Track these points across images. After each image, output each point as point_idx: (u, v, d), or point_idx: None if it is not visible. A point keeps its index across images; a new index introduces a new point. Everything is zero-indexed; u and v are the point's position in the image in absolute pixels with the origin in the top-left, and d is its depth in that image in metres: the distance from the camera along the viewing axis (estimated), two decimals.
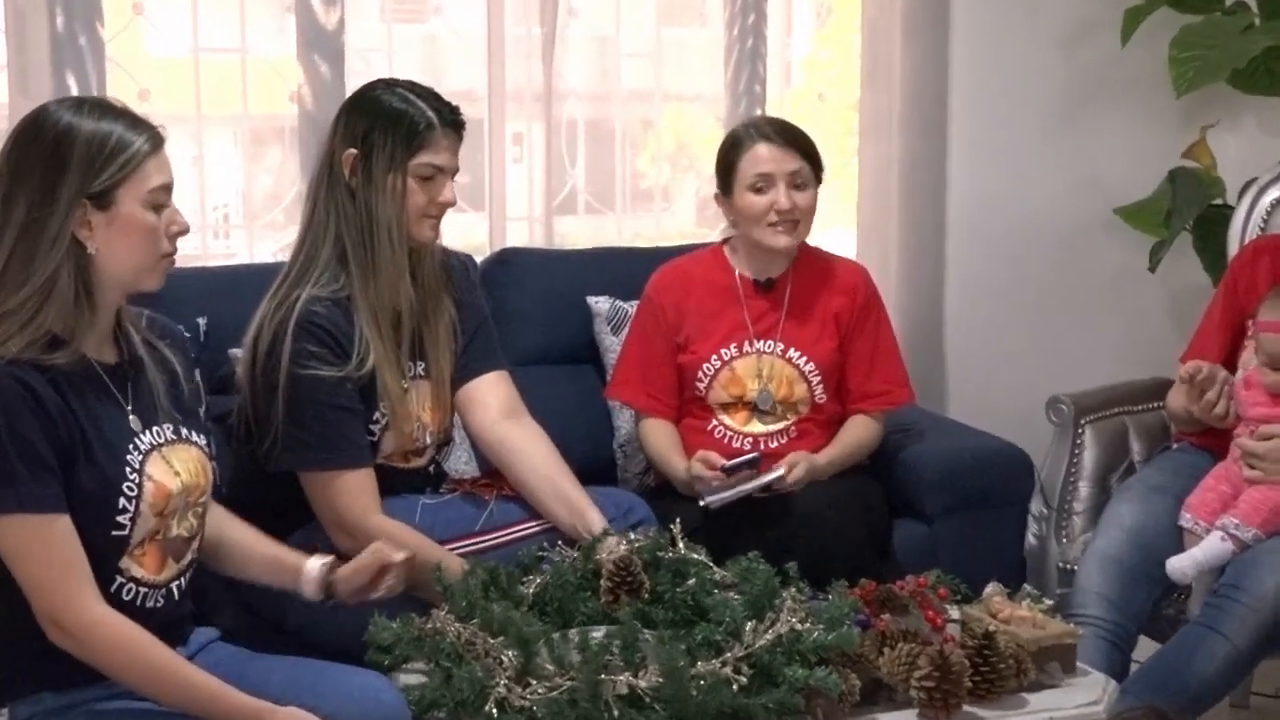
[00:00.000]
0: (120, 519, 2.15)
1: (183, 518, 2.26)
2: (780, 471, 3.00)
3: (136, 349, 2.27)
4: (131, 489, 2.16)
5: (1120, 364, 3.90)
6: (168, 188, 2.19)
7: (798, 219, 3.21)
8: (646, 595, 2.44)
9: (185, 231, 2.24)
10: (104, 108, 2.18)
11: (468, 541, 2.73)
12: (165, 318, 2.41)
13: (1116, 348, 4.25)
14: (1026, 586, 2.69)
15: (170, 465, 2.23)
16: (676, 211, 4.28)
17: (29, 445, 2.06)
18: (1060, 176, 4.27)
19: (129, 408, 2.22)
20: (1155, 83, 3.94)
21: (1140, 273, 3.98)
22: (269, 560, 2.46)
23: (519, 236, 3.94)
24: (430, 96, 2.74)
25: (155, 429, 2.24)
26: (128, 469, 2.16)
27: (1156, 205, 4.00)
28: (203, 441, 2.33)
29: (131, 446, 2.19)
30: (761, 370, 3.25)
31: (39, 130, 2.14)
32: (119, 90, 3.41)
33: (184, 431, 2.29)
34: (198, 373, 2.46)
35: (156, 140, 2.18)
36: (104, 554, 2.15)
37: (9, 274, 2.11)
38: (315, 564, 2.43)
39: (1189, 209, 3.85)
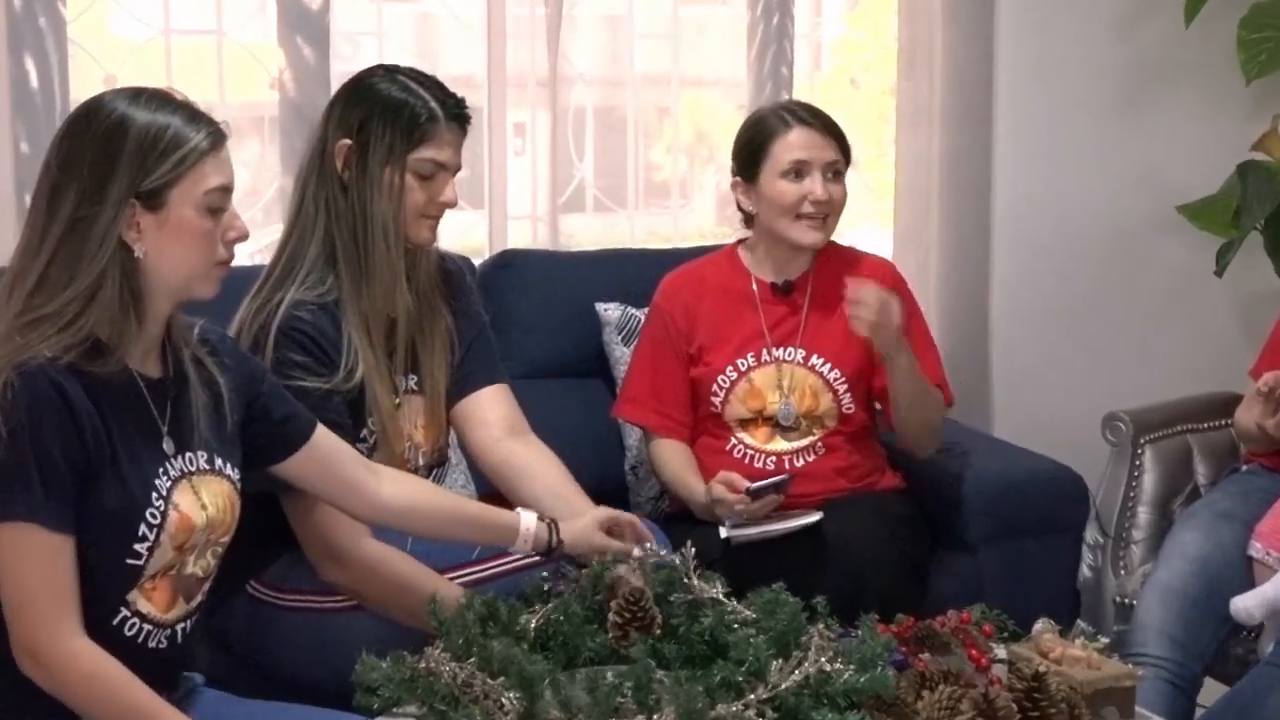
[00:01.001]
0: (138, 547, 2.16)
1: (200, 555, 2.27)
2: (817, 517, 3.00)
3: (184, 365, 2.29)
4: (155, 516, 2.17)
5: (1183, 377, 3.91)
6: (227, 189, 2.21)
7: (829, 213, 3.24)
8: (658, 631, 2.43)
9: (244, 238, 2.26)
10: (162, 99, 2.19)
11: (464, 570, 2.73)
12: (220, 330, 2.44)
13: (1179, 359, 4.26)
14: (1080, 623, 2.68)
15: (198, 496, 2.25)
16: (695, 208, 4.30)
17: (49, 456, 2.08)
18: (1117, 171, 4.28)
19: (165, 428, 2.24)
20: (1222, 67, 3.95)
21: (1205, 276, 3.98)
22: (473, 521, 2.63)
23: (521, 237, 3.96)
24: (434, 86, 2.75)
25: (189, 454, 2.25)
26: (154, 494, 2.18)
27: (1223, 202, 4.00)
28: (236, 476, 2.34)
29: (162, 470, 2.20)
30: (782, 381, 3.26)
31: (91, 120, 2.15)
32: (82, 75, 3.43)
33: (218, 462, 2.30)
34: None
35: (217, 137, 2.19)
36: (113, 582, 2.16)
37: (53, 273, 2.13)
38: (532, 520, 2.60)
39: (1259, 206, 3.84)
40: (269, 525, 2.69)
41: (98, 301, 2.13)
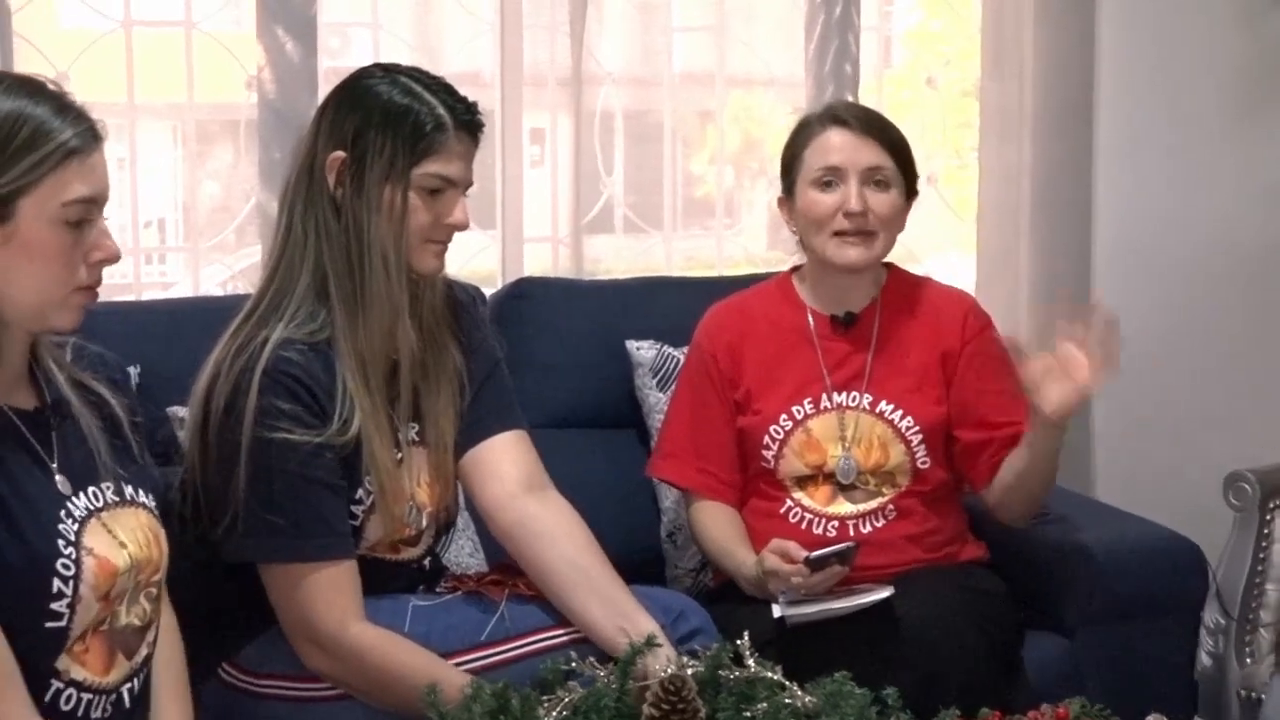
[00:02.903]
0: (55, 605, 2.17)
1: (133, 601, 2.29)
2: (886, 593, 3.00)
3: (61, 390, 2.29)
4: (68, 566, 2.18)
5: None
6: (95, 201, 2.18)
7: (873, 229, 3.24)
8: None
9: (113, 259, 2.23)
10: (30, 87, 2.16)
11: (472, 655, 2.75)
12: (98, 346, 2.43)
13: None
14: (1198, 719, 2.70)
15: (113, 535, 2.26)
16: (743, 230, 4.33)
17: None
18: (1241, 186, 4.30)
19: (54, 465, 2.25)
20: None
21: None
22: None
23: (539, 263, 4.00)
24: (441, 90, 2.76)
25: (92, 490, 2.27)
26: (60, 542, 2.18)
27: None
28: (152, 504, 2.36)
29: (63, 513, 2.21)
30: (845, 430, 3.28)
31: None
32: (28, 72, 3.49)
33: (129, 491, 2.32)
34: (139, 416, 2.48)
35: (89, 138, 2.16)
36: (37, 652, 2.17)
37: None
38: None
39: None
40: (245, 599, 2.72)
41: None
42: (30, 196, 2.11)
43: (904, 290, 3.38)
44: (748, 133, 4.35)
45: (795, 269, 3.43)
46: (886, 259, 3.37)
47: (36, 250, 2.14)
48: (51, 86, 2.19)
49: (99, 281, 2.24)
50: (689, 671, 2.43)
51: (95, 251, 2.20)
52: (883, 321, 3.33)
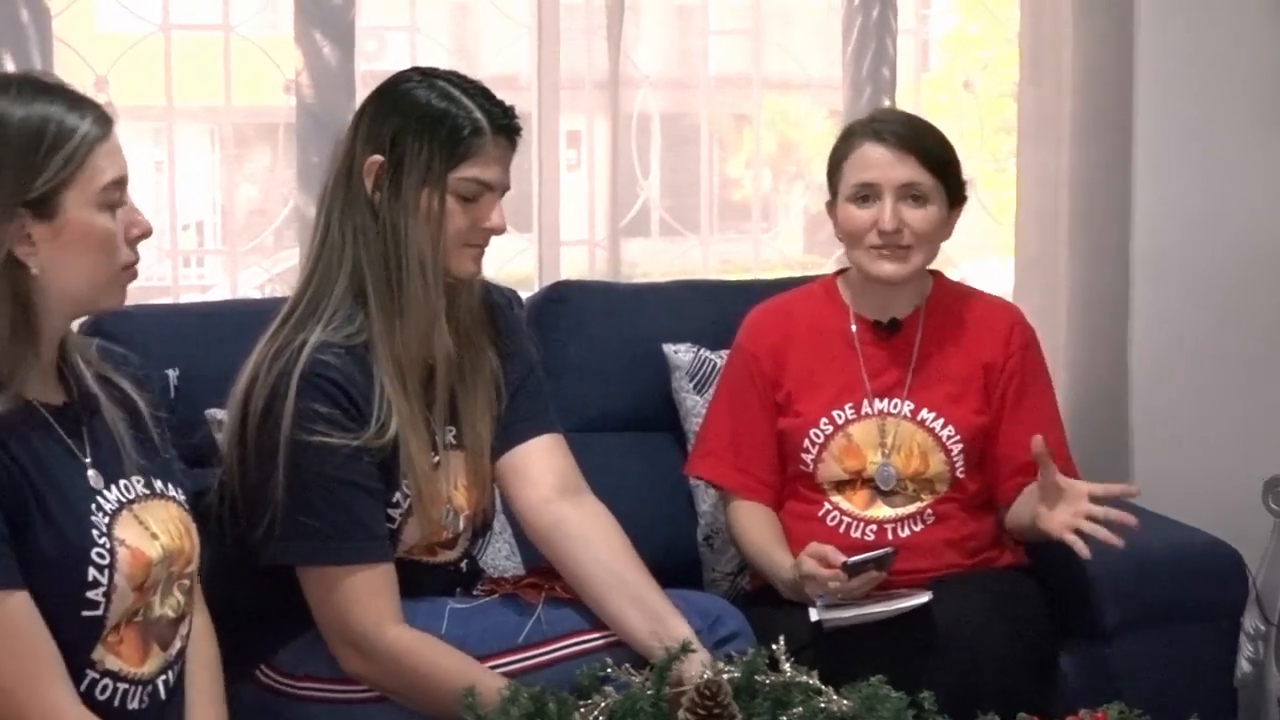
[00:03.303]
0: (92, 594, 2.20)
1: (167, 593, 2.32)
2: (925, 598, 3.01)
3: (88, 385, 2.32)
4: (102, 556, 2.21)
5: None
6: (122, 182, 2.24)
7: (908, 244, 3.24)
8: None
9: (148, 234, 2.29)
10: (37, 87, 2.21)
11: (509, 658, 2.76)
12: (118, 347, 2.47)
13: None
14: None
15: (145, 526, 2.29)
16: (779, 233, 4.33)
17: None
18: None
19: (86, 459, 2.28)
20: None
21: None
22: None
23: (576, 266, 4.01)
24: (479, 94, 2.78)
25: (122, 483, 2.30)
26: (94, 532, 2.21)
27: None
28: (181, 496, 2.39)
29: (94, 506, 2.24)
30: (885, 437, 3.28)
31: None
32: (69, 78, 3.47)
33: (158, 485, 2.35)
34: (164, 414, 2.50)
35: (104, 123, 2.22)
36: (74, 641, 2.20)
37: None
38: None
39: None
40: (282, 601, 2.73)
41: None
42: (70, 190, 2.17)
43: (949, 299, 3.38)
44: (784, 136, 4.35)
45: (841, 271, 3.43)
46: (931, 266, 3.38)
47: (85, 238, 2.20)
48: (52, 80, 2.25)
49: (139, 257, 2.29)
50: (724, 677, 2.45)
51: (132, 229, 2.26)
52: (926, 329, 3.34)
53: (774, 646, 2.49)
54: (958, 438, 3.27)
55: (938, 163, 3.26)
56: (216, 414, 3.06)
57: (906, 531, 3.26)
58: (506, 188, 2.82)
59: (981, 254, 4.37)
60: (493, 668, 2.71)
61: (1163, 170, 4.20)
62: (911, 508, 3.27)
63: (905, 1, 4.18)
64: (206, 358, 3.12)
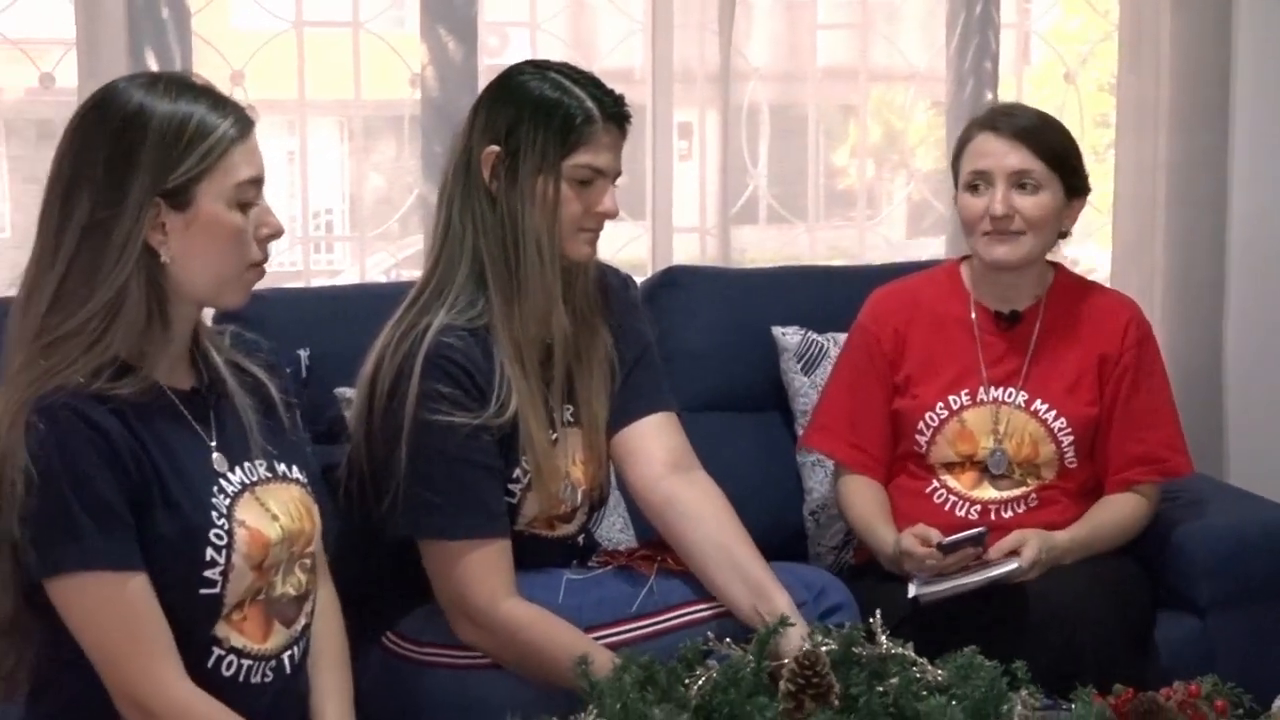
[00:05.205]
0: (209, 574, 2.21)
1: (288, 572, 2.34)
2: (1014, 565, 3.00)
3: (219, 371, 2.34)
4: (220, 537, 2.22)
5: None
6: (258, 182, 2.25)
7: (1019, 229, 3.21)
8: (836, 701, 2.44)
9: (278, 234, 2.30)
10: (183, 85, 2.22)
11: (622, 627, 2.77)
12: (253, 334, 2.48)
13: None
14: None
15: (266, 508, 2.30)
16: (884, 220, 4.32)
17: (94, 492, 2.13)
18: None
19: (212, 442, 2.30)
20: None
21: None
22: None
23: (687, 252, 4.01)
24: (590, 83, 2.78)
25: (246, 465, 2.31)
26: (214, 514, 2.23)
27: None
28: (304, 479, 2.40)
29: (216, 488, 2.26)
30: (998, 425, 3.26)
31: (105, 113, 2.19)
32: (206, 72, 3.51)
33: (281, 468, 2.36)
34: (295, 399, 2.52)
35: (244, 124, 2.23)
36: (195, 619, 2.22)
37: (69, 287, 2.17)
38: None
39: None
40: (406, 572, 2.76)
41: (122, 316, 2.17)
42: (205, 183, 2.18)
43: (1068, 292, 3.35)
44: (889, 126, 4.34)
45: (966, 257, 3.41)
46: (1053, 259, 3.37)
47: (215, 231, 2.21)
48: (199, 81, 2.26)
49: (267, 257, 2.30)
50: (823, 649, 2.45)
51: (263, 228, 2.27)
52: (1045, 322, 3.31)
53: (870, 620, 2.49)
54: (1069, 429, 3.25)
55: (1052, 153, 3.23)
56: (345, 392, 3.09)
57: (1010, 513, 3.23)
58: (618, 173, 2.82)
59: (1081, 240, 4.33)
60: (606, 636, 2.73)
61: (1258, 159, 4.17)
62: (1017, 491, 3.26)
63: None
64: (336, 339, 3.15)
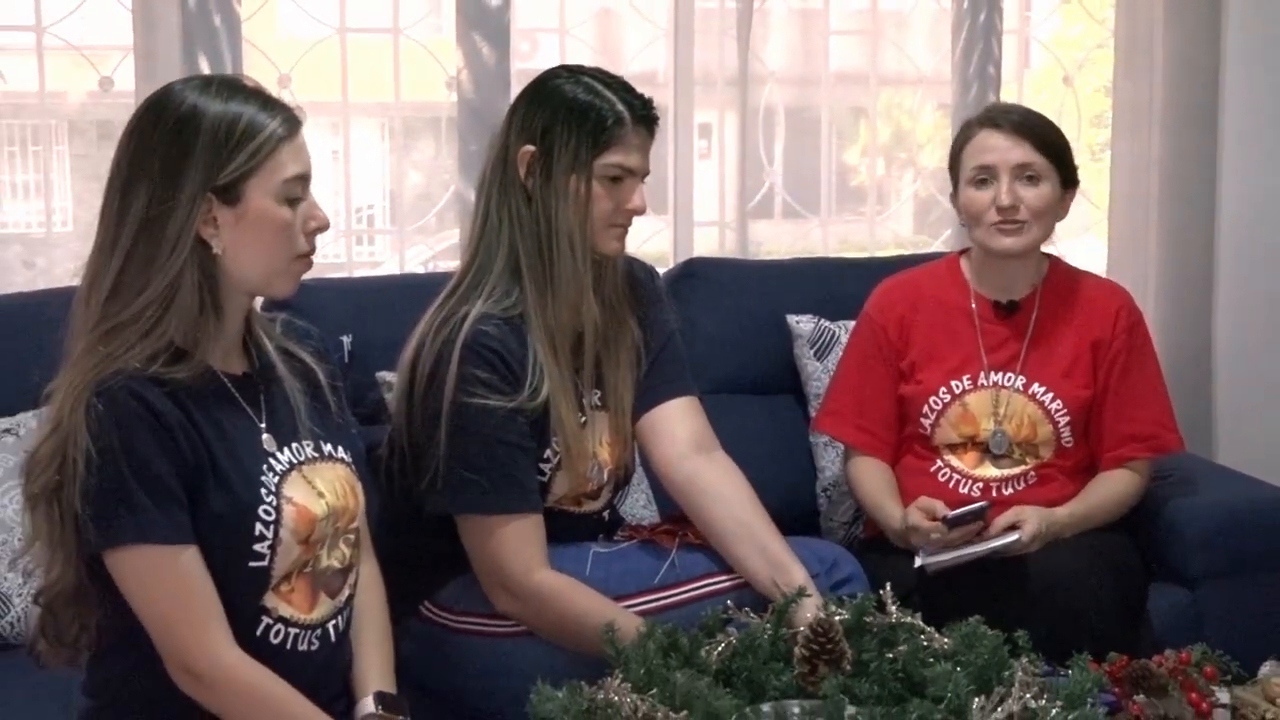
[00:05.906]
0: (258, 547, 2.24)
1: (333, 546, 2.35)
2: (1016, 536, 3.01)
3: (269, 357, 2.36)
4: (269, 513, 2.25)
5: None
6: (305, 178, 2.27)
7: (1024, 219, 3.22)
8: (848, 667, 2.45)
9: (325, 228, 2.31)
10: (234, 87, 2.24)
11: (646, 597, 2.78)
12: (304, 322, 2.50)
13: None
14: None
15: (312, 486, 2.32)
16: (892, 215, 4.33)
17: (150, 469, 2.15)
18: None
19: (262, 424, 2.32)
20: None
21: None
22: None
23: (707, 244, 4.02)
24: (621, 87, 2.80)
25: (294, 445, 2.33)
26: (263, 490, 2.25)
27: None
28: (349, 459, 2.42)
29: (266, 467, 2.28)
30: (999, 408, 3.27)
31: (161, 113, 2.21)
32: (256, 75, 3.53)
33: (327, 448, 2.38)
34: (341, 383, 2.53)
35: (292, 123, 2.25)
36: (244, 590, 2.25)
37: (127, 277, 2.19)
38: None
39: None
40: (445, 546, 2.78)
41: (176, 304, 2.19)
42: (254, 179, 2.20)
43: (1063, 281, 3.36)
44: (898, 127, 4.34)
45: (964, 251, 3.43)
46: (1047, 250, 3.37)
47: (263, 225, 2.22)
48: (250, 84, 2.27)
49: (314, 249, 2.32)
50: (836, 618, 2.46)
51: (310, 221, 2.28)
52: (1041, 310, 3.32)
53: (881, 591, 2.51)
54: (1065, 410, 3.26)
55: (1050, 146, 3.24)
56: (386, 376, 3.11)
57: (1010, 490, 3.25)
58: (647, 172, 2.83)
59: (1079, 234, 4.34)
60: (631, 606, 2.74)
61: (1246, 158, 4.16)
62: (1017, 469, 3.27)
63: (1010, 4, 4.17)
64: (377, 326, 3.17)
